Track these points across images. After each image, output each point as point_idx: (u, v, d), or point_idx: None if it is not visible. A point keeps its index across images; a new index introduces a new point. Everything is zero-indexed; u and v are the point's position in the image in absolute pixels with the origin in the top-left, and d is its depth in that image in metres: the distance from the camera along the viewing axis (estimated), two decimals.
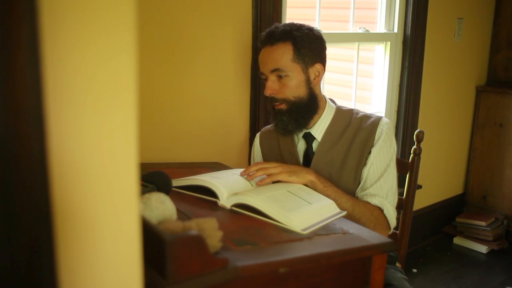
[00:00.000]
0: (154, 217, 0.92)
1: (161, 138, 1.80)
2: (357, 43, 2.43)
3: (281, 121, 1.49)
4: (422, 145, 1.75)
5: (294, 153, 1.55)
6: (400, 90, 2.68)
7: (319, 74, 1.51)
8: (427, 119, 2.87)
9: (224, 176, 1.28)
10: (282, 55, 1.45)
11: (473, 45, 3.07)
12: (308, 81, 1.49)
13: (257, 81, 1.99)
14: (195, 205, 1.18)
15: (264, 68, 1.49)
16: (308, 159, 1.53)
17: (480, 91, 3.16)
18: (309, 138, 1.54)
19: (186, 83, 1.83)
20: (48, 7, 0.48)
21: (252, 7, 1.94)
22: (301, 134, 1.55)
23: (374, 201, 1.42)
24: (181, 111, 1.83)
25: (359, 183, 1.47)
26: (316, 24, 2.24)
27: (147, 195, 0.96)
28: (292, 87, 1.47)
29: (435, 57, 2.81)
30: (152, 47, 1.72)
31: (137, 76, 0.55)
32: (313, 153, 1.52)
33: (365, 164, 1.46)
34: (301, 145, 1.56)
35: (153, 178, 1.11)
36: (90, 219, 0.55)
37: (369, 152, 1.46)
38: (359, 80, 2.54)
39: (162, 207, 0.94)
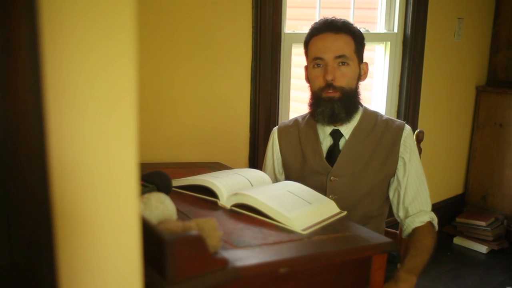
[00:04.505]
0: (154, 217, 0.92)
1: (161, 138, 1.80)
2: None
3: (331, 108, 1.49)
4: (422, 145, 1.75)
5: (318, 149, 1.55)
6: (400, 90, 2.67)
7: (364, 72, 1.58)
8: (427, 119, 2.87)
9: (224, 176, 1.28)
10: (347, 44, 1.50)
11: (473, 45, 3.07)
12: (359, 76, 1.55)
13: (257, 81, 1.99)
14: (195, 205, 1.18)
15: (326, 54, 1.49)
16: (332, 156, 1.54)
17: (480, 91, 3.15)
18: (337, 135, 1.55)
19: (186, 83, 1.83)
20: (49, 7, 0.48)
21: (252, 7, 1.94)
22: (328, 131, 1.56)
23: (423, 218, 1.47)
24: (181, 111, 1.83)
25: (386, 182, 1.53)
26: None
27: (147, 195, 0.96)
28: (350, 76, 1.50)
29: (435, 57, 2.81)
30: (152, 47, 1.72)
31: (137, 76, 0.55)
32: (339, 150, 1.54)
33: (397, 168, 1.51)
34: (326, 142, 1.57)
35: (153, 178, 1.11)
36: (90, 219, 0.55)
37: (398, 158, 1.51)
38: None
39: (162, 207, 0.94)
